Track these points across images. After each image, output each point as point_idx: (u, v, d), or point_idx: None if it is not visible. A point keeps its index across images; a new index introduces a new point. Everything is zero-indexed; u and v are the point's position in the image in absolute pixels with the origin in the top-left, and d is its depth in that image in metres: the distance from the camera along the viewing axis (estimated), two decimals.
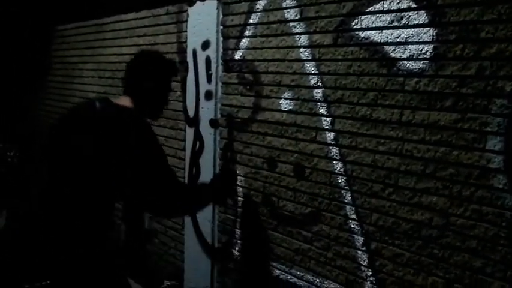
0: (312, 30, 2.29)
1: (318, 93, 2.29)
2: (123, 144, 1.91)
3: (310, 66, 2.32)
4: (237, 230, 2.85)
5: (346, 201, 2.20)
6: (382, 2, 1.99)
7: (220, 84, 2.91)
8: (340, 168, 2.21)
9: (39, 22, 5.42)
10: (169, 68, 2.22)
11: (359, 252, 2.16)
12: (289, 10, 2.40)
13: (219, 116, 2.94)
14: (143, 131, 1.97)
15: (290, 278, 2.52)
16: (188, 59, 3.17)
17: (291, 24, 2.39)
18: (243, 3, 2.68)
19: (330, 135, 2.25)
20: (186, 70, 3.17)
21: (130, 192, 2.04)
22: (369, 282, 2.13)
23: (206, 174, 3.07)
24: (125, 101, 2.09)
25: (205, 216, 3.10)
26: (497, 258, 1.70)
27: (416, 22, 1.88)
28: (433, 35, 1.83)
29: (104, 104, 2.03)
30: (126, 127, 1.95)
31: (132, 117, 2.01)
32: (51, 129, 2.13)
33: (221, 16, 2.87)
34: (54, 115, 5.04)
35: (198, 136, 3.14)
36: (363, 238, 2.14)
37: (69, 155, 1.96)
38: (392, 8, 1.96)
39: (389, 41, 1.97)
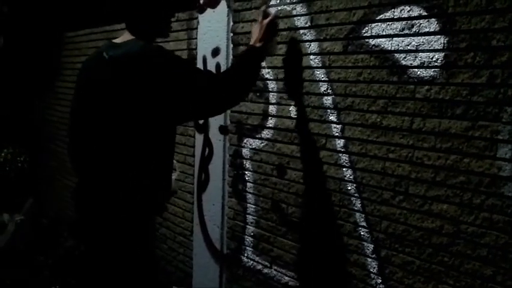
0: (322, 38, 2.30)
1: (327, 101, 2.29)
2: (149, 79, 1.82)
3: (320, 74, 2.32)
4: (246, 236, 2.86)
5: (356, 208, 2.20)
6: (393, 9, 2.00)
7: None
8: (350, 176, 2.21)
9: (49, 29, 5.47)
10: None
11: (369, 259, 2.16)
12: (299, 17, 2.41)
13: (228, 122, 2.95)
14: (162, 60, 1.88)
15: (299, 285, 2.52)
16: (198, 66, 3.18)
17: (301, 31, 2.40)
18: (253, 10, 2.70)
19: (340, 143, 2.25)
20: None
21: (182, 113, 1.96)
22: None
23: (215, 181, 3.08)
24: (129, 34, 2.00)
25: (214, 222, 3.11)
26: (507, 267, 1.69)
27: (426, 30, 1.89)
28: (443, 43, 1.83)
29: (111, 51, 1.92)
30: (143, 66, 1.84)
31: (143, 50, 1.90)
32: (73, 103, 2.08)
33: (231, 23, 2.89)
34: (63, 120, 5.08)
35: (207, 142, 3.15)
36: (372, 245, 2.14)
37: (105, 117, 1.88)
38: (402, 16, 1.96)
39: (400, 48, 1.98)
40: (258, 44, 2.24)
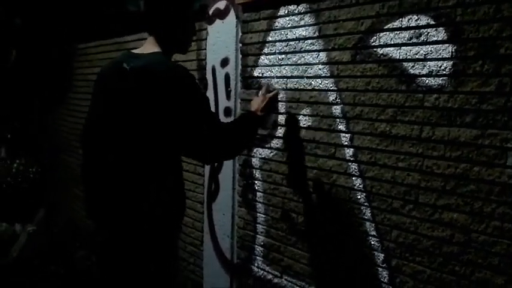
0: (330, 47, 2.31)
1: (336, 110, 2.30)
2: (163, 100, 1.81)
3: (328, 83, 2.33)
4: (256, 245, 2.85)
5: (366, 217, 2.19)
6: (401, 19, 2.00)
7: (239, 100, 2.94)
8: (360, 185, 2.21)
9: (61, 41, 5.54)
10: None
11: (379, 269, 2.15)
12: (307, 27, 2.43)
13: None
14: (181, 82, 1.86)
15: None
16: (207, 76, 3.21)
17: (310, 41, 2.42)
18: (261, 21, 2.72)
19: (349, 152, 2.25)
20: (205, 87, 3.20)
21: (178, 144, 1.92)
22: None
23: (225, 190, 3.09)
24: (151, 45, 1.99)
25: (224, 231, 3.12)
26: None
27: (435, 39, 1.89)
28: (452, 52, 1.84)
29: (132, 64, 1.89)
30: (162, 81, 1.82)
31: (166, 68, 1.87)
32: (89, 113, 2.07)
33: (240, 34, 2.91)
34: (75, 131, 5.13)
35: None
36: (383, 255, 2.13)
37: (120, 127, 1.88)
38: (410, 25, 1.97)
39: (408, 57, 1.98)
40: (259, 113, 2.34)
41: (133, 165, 1.87)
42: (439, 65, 1.87)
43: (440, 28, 1.87)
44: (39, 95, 5.99)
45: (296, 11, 2.48)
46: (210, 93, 3.17)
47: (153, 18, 1.99)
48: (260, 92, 2.52)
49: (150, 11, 1.98)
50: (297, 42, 2.49)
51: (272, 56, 2.65)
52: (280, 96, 2.59)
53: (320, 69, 2.37)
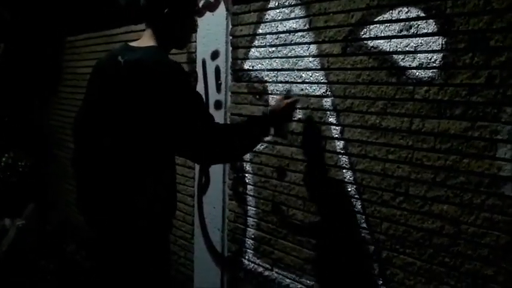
0: (321, 40, 2.31)
1: (327, 102, 2.30)
2: (156, 95, 1.77)
3: (319, 76, 2.33)
4: (247, 238, 2.85)
5: (356, 210, 2.20)
6: (391, 11, 2.00)
7: (229, 93, 2.93)
8: (350, 177, 2.21)
9: (50, 34, 5.48)
10: None
11: (370, 261, 2.16)
12: (298, 20, 2.42)
13: None
14: (174, 78, 1.81)
15: (300, 287, 2.52)
16: (197, 69, 3.19)
17: (300, 33, 2.41)
18: (252, 13, 2.70)
19: (340, 144, 2.25)
20: (196, 80, 3.18)
21: (171, 143, 1.87)
22: None
23: (216, 183, 3.09)
24: (148, 38, 1.94)
25: (215, 224, 3.11)
26: (509, 267, 1.69)
27: (425, 31, 1.89)
28: (442, 44, 1.84)
29: (126, 57, 1.85)
30: (155, 76, 1.78)
31: (160, 63, 1.83)
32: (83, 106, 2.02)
33: (230, 26, 2.89)
34: (66, 125, 5.08)
35: None
36: (373, 247, 2.14)
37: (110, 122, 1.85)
38: (401, 17, 1.97)
39: (398, 50, 1.98)
40: (271, 118, 2.20)
41: (129, 160, 1.84)
42: (429, 58, 1.88)
43: (431, 20, 1.87)
44: (29, 88, 5.92)
45: (286, 3, 2.47)
46: (200, 87, 3.16)
47: (152, 11, 1.93)
48: (279, 97, 2.39)
49: (150, 4, 1.92)
50: (287, 34, 2.49)
51: (262, 49, 2.64)
52: (300, 104, 2.44)
53: (310, 61, 2.36)
